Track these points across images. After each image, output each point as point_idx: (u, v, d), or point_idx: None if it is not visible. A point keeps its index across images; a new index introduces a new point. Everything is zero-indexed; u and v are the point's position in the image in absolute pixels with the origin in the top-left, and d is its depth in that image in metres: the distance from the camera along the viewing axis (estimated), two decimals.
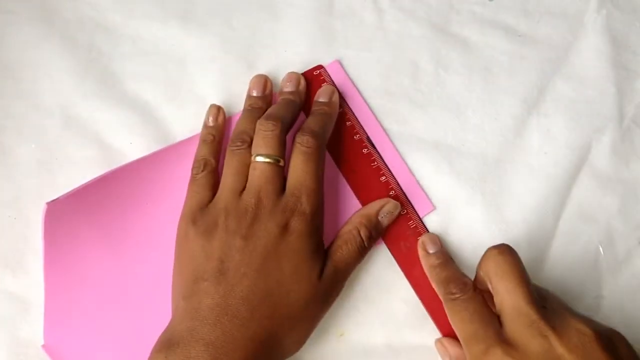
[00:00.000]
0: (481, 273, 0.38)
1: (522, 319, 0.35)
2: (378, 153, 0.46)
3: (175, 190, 0.44)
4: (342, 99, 0.47)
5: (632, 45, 0.49)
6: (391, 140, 0.47)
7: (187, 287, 0.39)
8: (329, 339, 0.44)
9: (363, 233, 0.42)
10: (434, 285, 0.42)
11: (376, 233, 0.43)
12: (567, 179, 0.46)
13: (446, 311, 0.40)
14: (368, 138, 0.47)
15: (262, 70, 0.47)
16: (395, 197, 0.45)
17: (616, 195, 0.46)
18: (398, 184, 0.46)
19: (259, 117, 0.43)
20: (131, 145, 0.46)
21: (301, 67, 0.48)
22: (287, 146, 0.42)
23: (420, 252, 0.44)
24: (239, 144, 0.42)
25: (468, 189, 0.46)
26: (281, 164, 0.41)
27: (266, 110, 0.44)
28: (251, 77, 0.46)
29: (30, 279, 0.43)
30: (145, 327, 0.40)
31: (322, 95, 0.46)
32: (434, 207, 0.46)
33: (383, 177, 0.46)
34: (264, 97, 0.45)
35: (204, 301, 0.37)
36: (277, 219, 0.39)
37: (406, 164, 0.46)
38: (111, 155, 0.46)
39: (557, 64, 0.48)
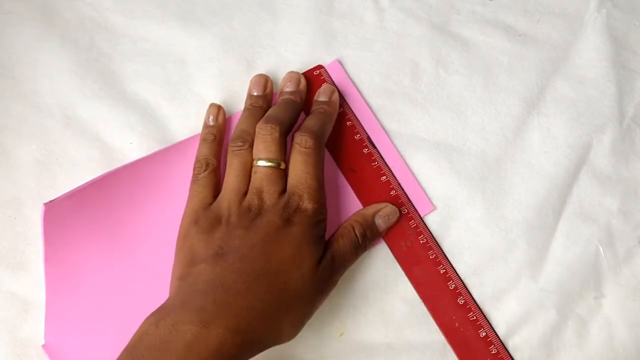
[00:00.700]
0: None
1: None
2: (379, 153, 0.46)
3: (176, 190, 0.44)
4: (342, 98, 0.47)
5: (632, 45, 0.49)
6: (391, 140, 0.47)
7: (183, 270, 0.39)
8: (329, 338, 0.44)
9: (357, 230, 0.43)
10: None
11: (371, 234, 0.43)
12: (568, 179, 0.46)
13: None
14: (368, 138, 0.47)
15: (262, 70, 0.47)
16: (396, 197, 0.45)
17: (616, 195, 0.46)
18: (399, 183, 0.46)
19: (259, 117, 0.43)
20: (131, 145, 0.46)
21: (301, 67, 0.48)
22: (288, 146, 0.42)
23: None
24: (239, 144, 0.42)
25: (468, 189, 0.46)
26: (282, 167, 0.41)
27: (267, 109, 0.44)
28: (251, 77, 0.46)
29: (31, 279, 0.43)
30: None
31: (321, 95, 0.46)
32: (435, 207, 0.46)
33: (384, 177, 0.46)
34: (265, 96, 0.46)
35: (200, 278, 0.37)
36: (280, 214, 0.39)
37: (406, 163, 0.46)
38: (111, 155, 0.46)
39: (558, 64, 0.48)
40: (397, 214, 0.44)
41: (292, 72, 0.47)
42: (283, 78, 0.47)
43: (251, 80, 0.46)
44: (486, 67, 0.48)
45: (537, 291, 0.45)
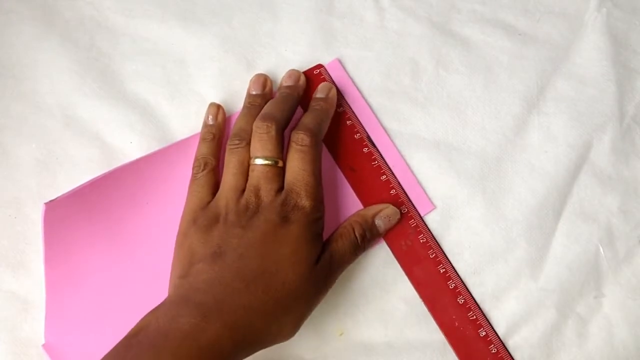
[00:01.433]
0: None
1: None
2: (378, 152, 0.46)
3: (176, 190, 0.44)
4: (342, 98, 0.47)
5: (632, 44, 0.49)
6: (391, 139, 0.47)
7: (182, 269, 0.39)
8: (329, 338, 0.44)
9: (357, 230, 0.43)
10: None
11: (370, 234, 0.43)
12: (568, 178, 0.46)
13: None
14: (368, 137, 0.47)
15: (262, 69, 0.47)
16: (396, 196, 0.45)
17: (617, 194, 0.46)
18: (398, 182, 0.46)
19: (257, 115, 0.43)
20: (131, 145, 0.46)
21: (301, 66, 0.48)
22: (286, 142, 0.42)
23: None
24: (236, 142, 0.42)
25: (468, 188, 0.46)
26: (279, 164, 0.41)
27: None
28: (251, 77, 0.46)
29: (31, 278, 0.43)
30: None
31: (319, 92, 0.46)
32: (434, 206, 0.46)
33: (383, 176, 0.46)
34: (263, 95, 0.46)
35: (199, 277, 0.38)
36: (277, 211, 0.39)
37: (406, 162, 0.46)
38: (111, 155, 0.46)
39: (558, 63, 0.48)
40: (398, 215, 0.44)
41: (292, 69, 0.47)
42: (283, 75, 0.47)
43: (251, 79, 0.46)
44: (486, 66, 0.48)
45: (537, 290, 0.45)
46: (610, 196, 0.46)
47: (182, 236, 0.41)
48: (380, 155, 0.46)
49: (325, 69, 0.48)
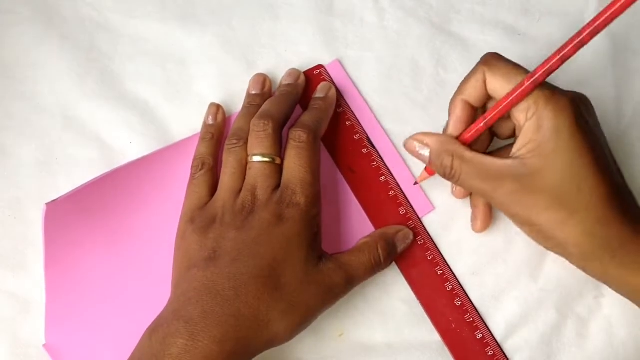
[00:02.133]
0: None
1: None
2: (378, 153, 0.46)
3: (175, 190, 0.44)
4: (342, 98, 0.47)
5: (631, 45, 0.49)
6: (391, 140, 0.47)
7: (179, 274, 0.39)
8: (328, 339, 0.44)
9: (381, 247, 0.42)
10: None
11: (392, 253, 0.43)
12: None
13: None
14: (368, 138, 0.47)
15: (262, 70, 0.47)
16: (395, 197, 0.45)
17: None
18: (398, 184, 0.46)
19: None
20: (131, 145, 0.46)
21: (301, 66, 0.48)
22: (284, 141, 0.42)
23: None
24: (234, 141, 0.42)
25: None
26: (277, 162, 0.41)
27: None
28: (251, 77, 0.47)
29: (31, 279, 0.43)
30: (145, 327, 0.40)
31: (318, 92, 0.46)
32: (434, 207, 0.46)
33: (383, 177, 0.46)
34: (262, 95, 0.46)
35: (192, 285, 0.37)
36: (272, 210, 0.39)
37: (406, 163, 0.46)
38: (111, 155, 0.46)
39: None
40: (412, 238, 0.44)
41: (292, 68, 0.47)
42: (283, 75, 0.47)
43: (250, 80, 0.46)
44: None
45: (537, 291, 0.45)
46: None
47: (180, 237, 0.41)
48: (380, 156, 0.46)
49: (325, 69, 0.48)
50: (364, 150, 0.46)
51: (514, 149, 0.37)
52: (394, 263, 0.44)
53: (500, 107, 0.38)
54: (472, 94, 0.39)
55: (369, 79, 0.48)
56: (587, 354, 0.44)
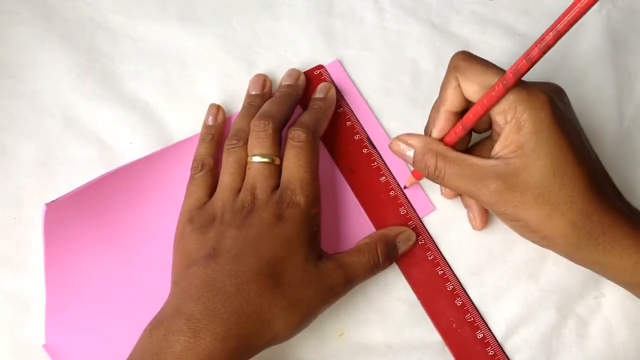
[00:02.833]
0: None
1: None
2: (378, 153, 0.46)
3: (175, 190, 0.44)
4: (342, 98, 0.47)
5: (632, 46, 0.49)
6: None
7: (179, 272, 0.39)
8: (328, 338, 0.44)
9: (380, 248, 0.42)
10: None
11: (391, 255, 0.43)
12: None
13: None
14: (368, 138, 0.47)
15: (262, 70, 0.47)
16: (395, 197, 0.45)
17: None
18: (398, 184, 0.46)
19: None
20: (131, 145, 0.46)
21: (301, 66, 0.48)
22: (283, 141, 0.42)
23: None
24: (234, 142, 0.42)
25: None
26: (276, 162, 0.41)
27: None
28: (251, 77, 0.47)
29: (31, 279, 0.43)
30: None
31: (318, 92, 0.46)
32: (434, 207, 0.46)
33: (383, 177, 0.46)
34: (262, 95, 0.46)
35: (192, 282, 0.37)
36: (272, 209, 0.39)
37: (406, 164, 0.46)
38: (111, 155, 0.46)
39: (557, 64, 0.48)
40: (414, 239, 0.44)
41: (292, 69, 0.47)
42: (283, 75, 0.47)
43: (250, 80, 0.46)
44: None
45: (537, 291, 0.45)
46: None
47: (179, 237, 0.41)
48: (380, 156, 0.46)
49: (326, 69, 0.48)
50: (364, 150, 0.46)
51: (497, 149, 0.38)
52: (394, 263, 0.44)
53: (476, 112, 0.38)
54: (453, 102, 0.40)
55: (369, 79, 0.48)
56: (587, 354, 0.44)
